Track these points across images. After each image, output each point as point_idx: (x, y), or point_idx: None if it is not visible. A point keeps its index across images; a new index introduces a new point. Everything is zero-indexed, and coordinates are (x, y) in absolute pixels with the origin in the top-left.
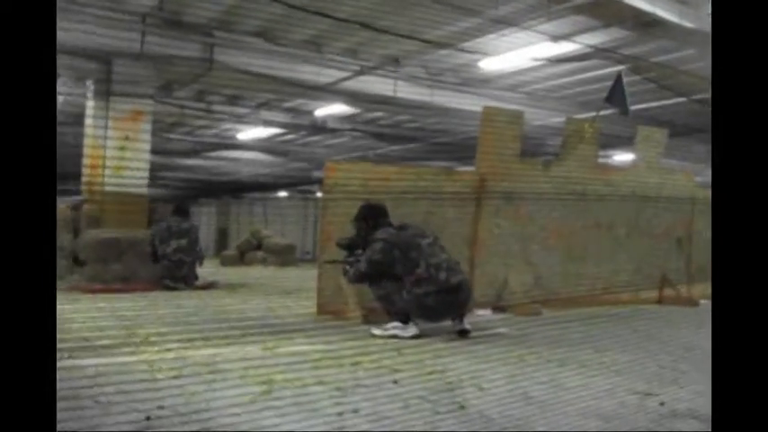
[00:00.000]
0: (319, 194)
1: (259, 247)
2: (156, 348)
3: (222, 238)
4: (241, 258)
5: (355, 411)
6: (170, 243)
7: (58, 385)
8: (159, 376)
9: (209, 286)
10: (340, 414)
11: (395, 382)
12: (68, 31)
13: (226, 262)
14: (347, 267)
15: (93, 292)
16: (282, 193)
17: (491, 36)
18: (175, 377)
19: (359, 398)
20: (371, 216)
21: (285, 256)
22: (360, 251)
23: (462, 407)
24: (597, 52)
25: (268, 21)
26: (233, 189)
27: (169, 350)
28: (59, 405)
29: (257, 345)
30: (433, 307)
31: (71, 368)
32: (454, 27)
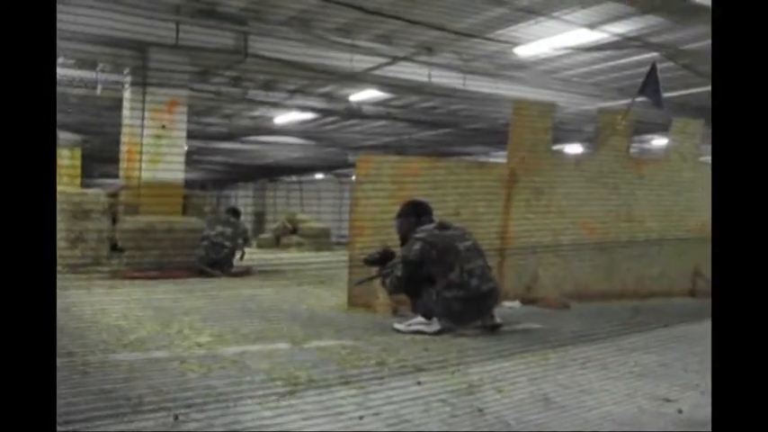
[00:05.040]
0: (354, 178)
1: (294, 231)
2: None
3: (259, 221)
4: (277, 242)
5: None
6: (215, 228)
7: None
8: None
9: (245, 273)
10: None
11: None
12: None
13: (262, 245)
14: (385, 280)
15: (132, 278)
16: (319, 176)
17: (525, 24)
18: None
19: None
20: (414, 213)
21: (320, 240)
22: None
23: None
24: (631, 40)
25: (301, 11)
26: (269, 172)
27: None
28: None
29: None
30: (459, 312)
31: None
32: (490, 14)
